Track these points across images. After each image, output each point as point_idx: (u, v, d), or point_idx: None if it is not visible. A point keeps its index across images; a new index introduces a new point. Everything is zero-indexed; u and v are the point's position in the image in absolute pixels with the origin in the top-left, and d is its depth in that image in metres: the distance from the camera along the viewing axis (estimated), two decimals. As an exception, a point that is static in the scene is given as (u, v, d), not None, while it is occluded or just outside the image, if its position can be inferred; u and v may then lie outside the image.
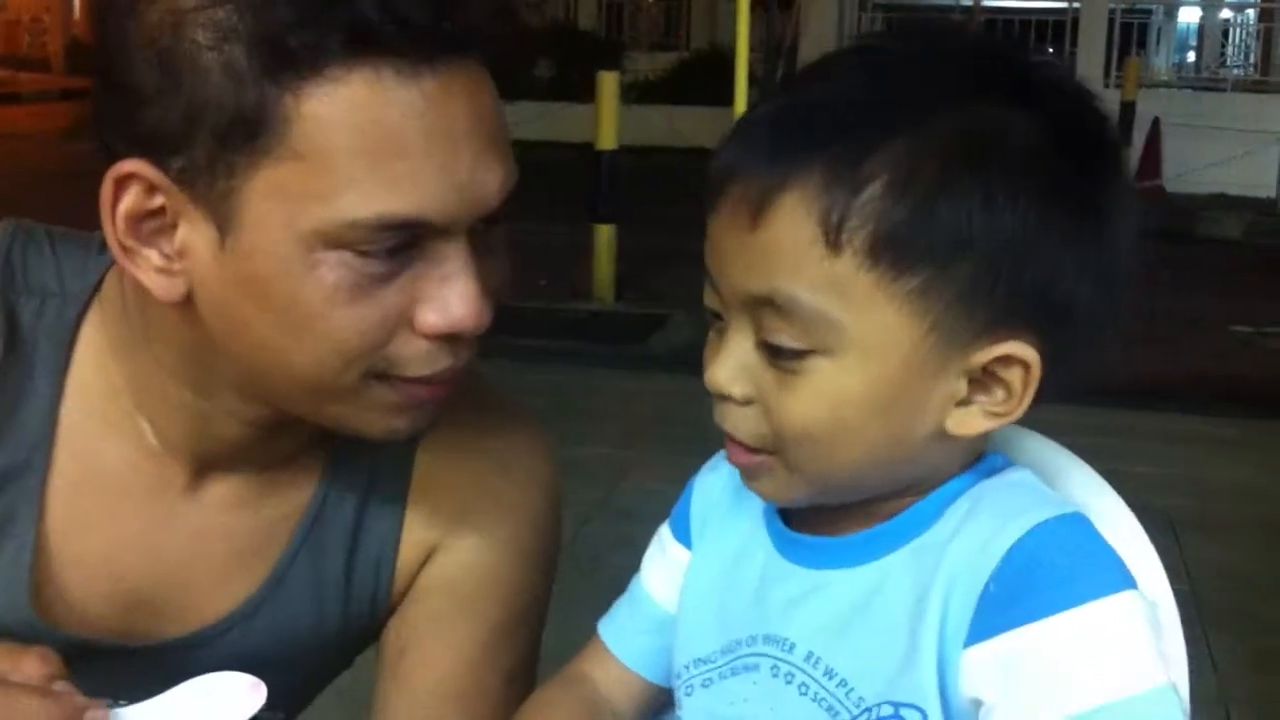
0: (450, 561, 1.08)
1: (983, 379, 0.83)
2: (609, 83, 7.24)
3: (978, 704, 0.81)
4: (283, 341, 0.89)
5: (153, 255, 0.90)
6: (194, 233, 0.89)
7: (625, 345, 6.43)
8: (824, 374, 0.82)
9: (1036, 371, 0.83)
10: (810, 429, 0.83)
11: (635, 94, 13.86)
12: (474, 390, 1.10)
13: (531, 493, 1.11)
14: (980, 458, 0.89)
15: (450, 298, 0.89)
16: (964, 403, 0.84)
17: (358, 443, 1.03)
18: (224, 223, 0.87)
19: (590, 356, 6.23)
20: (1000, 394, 0.84)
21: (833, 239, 0.79)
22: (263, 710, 1.10)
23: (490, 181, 0.89)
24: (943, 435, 0.84)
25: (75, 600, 1.01)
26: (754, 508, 0.95)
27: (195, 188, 0.87)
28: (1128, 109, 11.36)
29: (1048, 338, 0.83)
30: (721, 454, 1.00)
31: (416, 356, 0.90)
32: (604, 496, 4.27)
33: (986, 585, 0.80)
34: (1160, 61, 19.45)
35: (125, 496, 1.01)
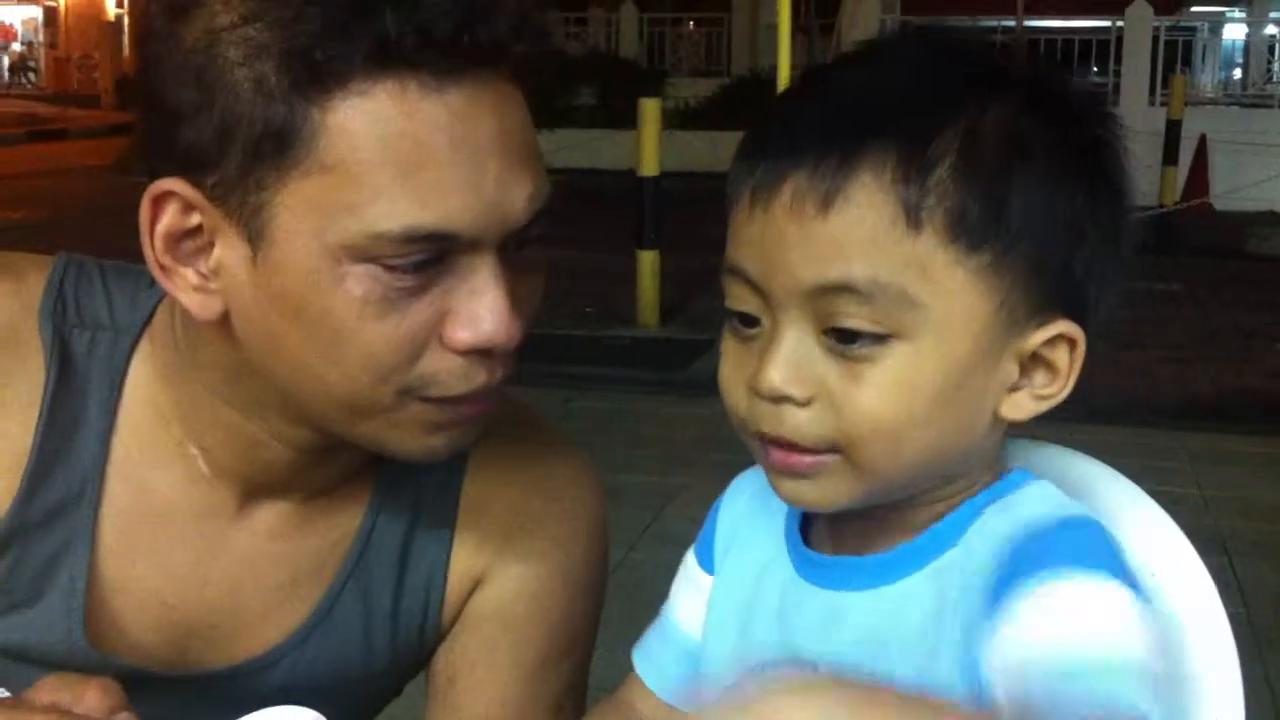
0: (498, 590, 1.08)
1: (1028, 364, 0.85)
2: (651, 109, 7.27)
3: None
4: (316, 358, 0.90)
5: (190, 274, 0.92)
6: (228, 250, 0.90)
7: (670, 371, 6.43)
8: (899, 359, 0.81)
9: (1082, 349, 0.85)
10: (884, 418, 0.82)
11: (678, 120, 13.90)
12: (519, 418, 1.10)
13: (578, 522, 1.11)
14: (998, 476, 0.89)
15: (479, 312, 0.89)
16: (1015, 388, 0.85)
17: (404, 470, 1.03)
18: (255, 238, 0.88)
19: (635, 382, 6.24)
20: (1043, 378, 0.85)
21: (913, 219, 0.80)
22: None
23: (518, 195, 0.89)
24: (995, 423, 0.86)
25: (128, 629, 1.02)
26: (774, 527, 0.94)
27: (228, 204, 0.88)
28: (1174, 127, 11.27)
29: (1080, 325, 0.85)
30: (742, 477, 0.99)
31: (450, 373, 0.90)
32: (650, 523, 4.26)
33: (994, 586, 0.80)
34: (1206, 79, 19.31)
35: (175, 524, 1.02)
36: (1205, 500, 4.46)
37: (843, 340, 0.81)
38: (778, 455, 0.85)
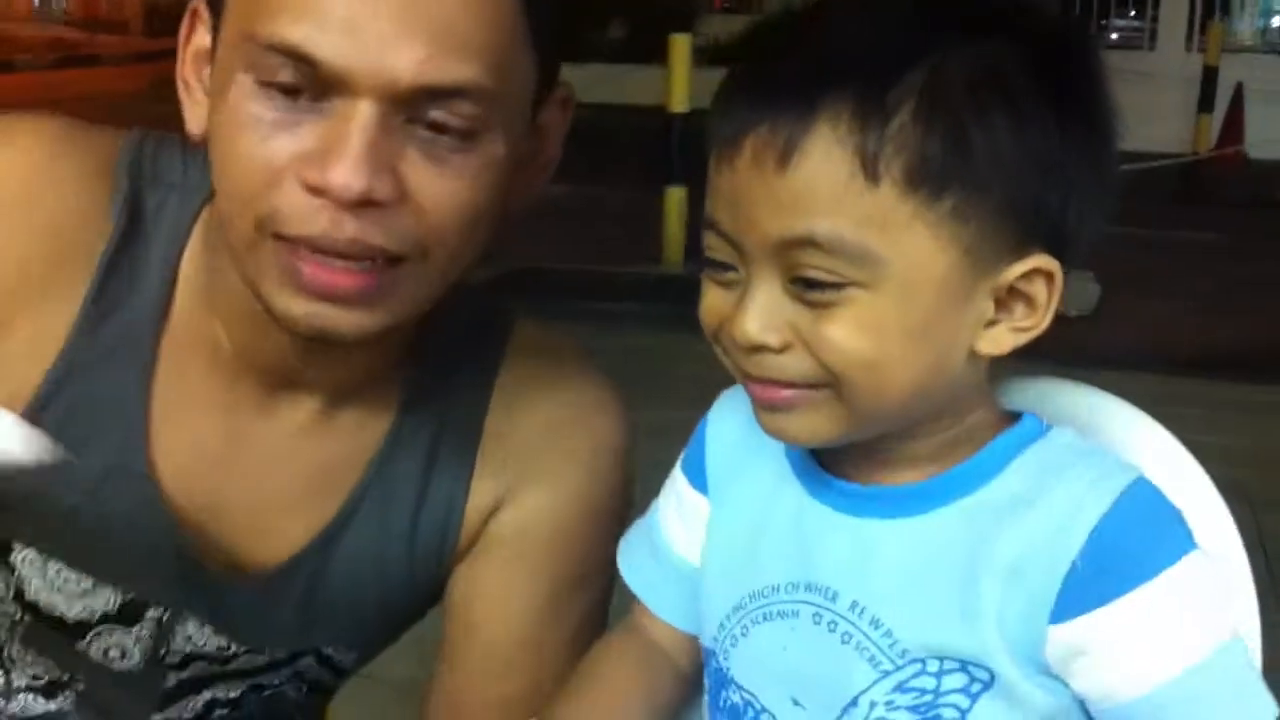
0: (519, 512, 1.09)
1: (1005, 298, 0.85)
2: (681, 45, 7.20)
3: (1062, 672, 0.82)
4: (217, 176, 0.93)
5: (200, 92, 0.97)
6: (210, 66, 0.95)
7: (695, 307, 6.40)
8: (862, 304, 0.82)
9: (1059, 281, 0.84)
10: (859, 355, 0.82)
11: (707, 57, 13.78)
12: (549, 343, 1.11)
13: (602, 449, 1.11)
14: (1017, 417, 0.90)
15: (330, 154, 0.88)
16: (992, 323, 0.85)
17: (431, 385, 1.05)
18: (213, 56, 0.94)
19: (661, 319, 6.22)
20: (1021, 310, 0.85)
21: (870, 170, 0.80)
22: (337, 650, 1.12)
23: (404, 52, 0.88)
24: (972, 358, 0.86)
25: (168, 501, 1.03)
26: (774, 451, 0.95)
27: (214, 19, 0.94)
28: (1210, 74, 11.12)
29: (1057, 257, 0.85)
30: (729, 395, 1.00)
31: (294, 208, 0.90)
32: (674, 458, 4.27)
33: (1074, 563, 0.81)
34: (1244, 26, 19.04)
35: (207, 408, 1.04)
36: (1227, 450, 4.43)
37: (808, 288, 0.82)
38: (758, 389, 0.87)
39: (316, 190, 0.88)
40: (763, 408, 0.87)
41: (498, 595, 1.10)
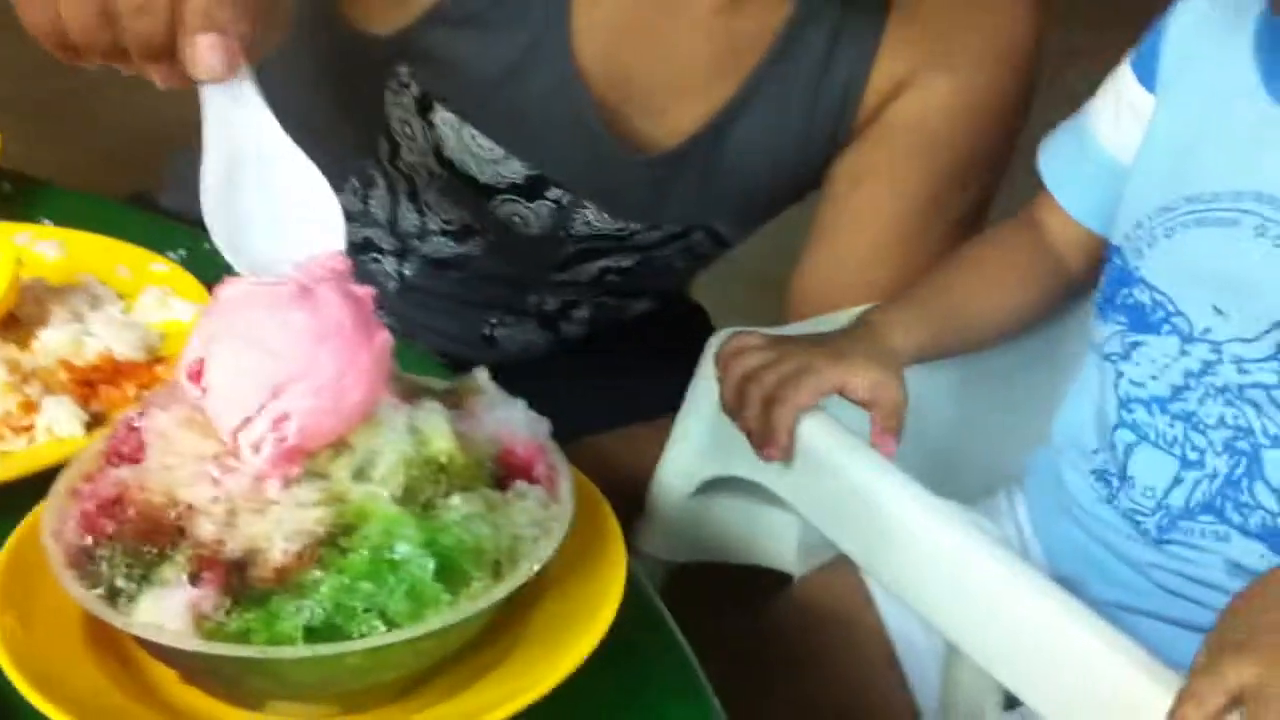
0: (918, 99, 1.08)
1: None
2: None
3: None
4: None
5: None
6: None
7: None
8: None
9: None
10: None
11: None
12: None
13: (1008, 43, 1.08)
14: None
15: None
16: None
17: None
18: None
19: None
20: None
21: None
22: (726, 227, 1.15)
23: None
24: None
25: (588, 68, 1.06)
26: (1241, 46, 0.89)
27: None
28: None
29: None
30: None
31: None
32: (1074, 81, 4.06)
33: None
34: None
35: None
36: None
37: None
38: None
39: None
40: None
41: (884, 184, 1.10)
